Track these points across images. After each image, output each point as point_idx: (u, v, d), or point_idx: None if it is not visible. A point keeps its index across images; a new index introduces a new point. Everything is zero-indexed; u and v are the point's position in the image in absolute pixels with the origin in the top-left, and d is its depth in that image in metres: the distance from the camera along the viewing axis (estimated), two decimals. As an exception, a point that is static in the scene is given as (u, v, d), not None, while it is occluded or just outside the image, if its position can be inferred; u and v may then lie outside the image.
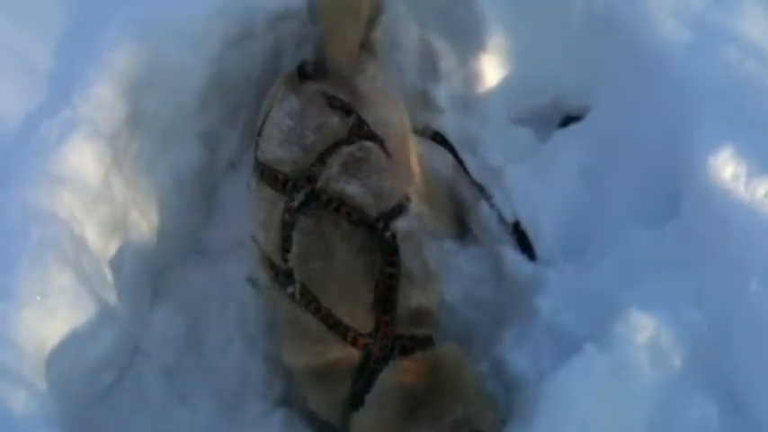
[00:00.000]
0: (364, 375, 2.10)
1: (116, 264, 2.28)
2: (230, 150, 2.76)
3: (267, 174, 2.25)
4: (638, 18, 2.51)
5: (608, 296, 2.24)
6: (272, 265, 2.22)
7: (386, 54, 2.75)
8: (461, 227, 2.78)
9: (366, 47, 2.46)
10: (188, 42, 2.44)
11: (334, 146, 2.22)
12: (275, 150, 2.25)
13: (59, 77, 2.33)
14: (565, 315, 2.33)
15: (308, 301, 2.11)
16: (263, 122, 2.34)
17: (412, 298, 2.14)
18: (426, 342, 2.15)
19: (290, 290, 2.15)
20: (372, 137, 2.28)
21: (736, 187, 2.17)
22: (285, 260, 2.16)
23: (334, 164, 2.19)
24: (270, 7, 2.62)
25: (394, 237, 2.15)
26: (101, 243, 2.23)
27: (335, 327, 2.09)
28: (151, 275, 2.49)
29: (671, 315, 2.10)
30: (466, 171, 2.74)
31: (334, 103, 2.29)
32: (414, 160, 2.48)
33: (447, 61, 2.80)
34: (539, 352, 2.32)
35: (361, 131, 2.28)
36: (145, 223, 2.42)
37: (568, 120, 2.74)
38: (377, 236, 2.13)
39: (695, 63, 2.39)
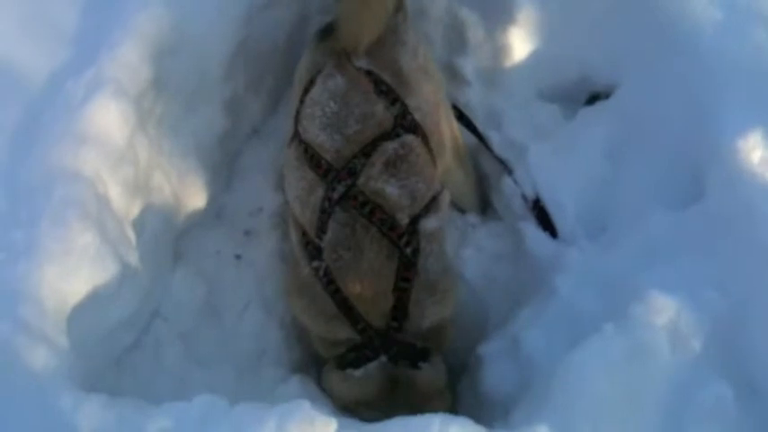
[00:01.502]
0: (358, 355, 2.23)
1: (138, 225, 2.29)
2: (254, 117, 2.76)
3: (309, 154, 2.26)
4: (669, -4, 2.48)
5: (628, 277, 2.22)
6: (303, 232, 2.25)
7: (412, 24, 2.73)
8: (484, 201, 2.78)
9: (398, 6, 2.42)
10: (214, 8, 2.43)
11: (378, 139, 2.23)
12: (317, 134, 2.25)
13: (86, 38, 2.32)
14: (583, 295, 2.32)
15: (330, 281, 2.19)
16: (304, 93, 2.32)
17: (426, 313, 2.23)
18: (420, 355, 2.25)
19: (315, 264, 2.21)
20: (414, 128, 2.29)
21: (764, 172, 2.13)
22: (319, 238, 2.20)
23: (377, 162, 2.21)
24: (296, -27, 2.61)
25: (416, 251, 2.20)
26: (124, 203, 2.23)
27: (349, 313, 2.19)
28: (172, 238, 2.50)
29: (691, 298, 2.08)
30: (487, 145, 2.72)
31: (380, 88, 2.27)
32: (444, 129, 2.47)
33: (474, 34, 2.77)
34: (555, 331, 2.31)
35: (405, 122, 2.28)
36: (167, 186, 2.43)
37: (595, 97, 2.71)
38: (399, 250, 2.19)
39: (725, 43, 2.34)
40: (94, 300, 2.06)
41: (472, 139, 2.73)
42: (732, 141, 2.19)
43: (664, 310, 2.06)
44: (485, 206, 2.80)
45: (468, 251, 2.68)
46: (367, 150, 2.22)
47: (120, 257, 2.14)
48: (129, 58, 2.28)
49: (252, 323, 2.53)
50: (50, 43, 2.29)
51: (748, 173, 2.15)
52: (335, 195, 2.20)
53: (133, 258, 2.21)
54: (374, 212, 2.19)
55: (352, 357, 2.25)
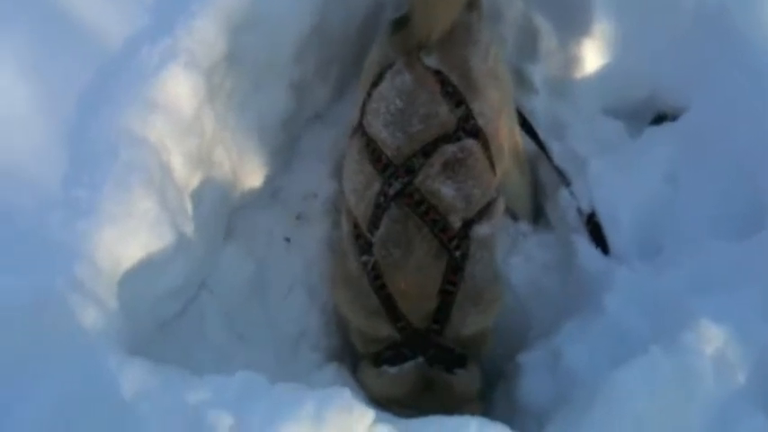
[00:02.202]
0: (394, 352, 2.24)
1: (197, 197, 2.30)
2: (319, 102, 2.77)
3: (371, 149, 2.27)
4: (749, 23, 2.44)
5: (678, 302, 2.19)
6: (355, 225, 2.27)
7: (486, 24, 2.72)
8: (537, 210, 2.76)
9: (473, 3, 2.41)
10: (293, -11, 2.43)
11: (439, 140, 2.23)
12: (381, 130, 2.26)
13: (163, 7, 2.33)
14: (631, 315, 2.30)
15: (377, 276, 2.20)
16: (371, 86, 2.33)
17: (468, 321, 2.23)
18: (457, 360, 2.26)
19: (364, 258, 2.22)
20: (476, 133, 2.28)
21: (828, 208, 2.11)
22: (371, 233, 2.22)
23: (436, 163, 2.21)
24: (378, -36, 2.61)
25: (464, 256, 2.20)
26: (185, 174, 2.25)
27: (391, 311, 2.20)
28: (227, 214, 2.51)
29: (742, 329, 2.05)
30: (547, 155, 2.71)
31: (446, 89, 2.27)
32: (506, 133, 2.46)
33: (547, 41, 2.75)
34: (598, 348, 2.29)
35: (467, 125, 2.27)
36: (228, 162, 2.44)
37: (661, 118, 2.68)
38: (449, 252, 2.19)
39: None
40: (148, 265, 2.08)
41: (532, 146, 2.72)
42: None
43: (713, 339, 2.04)
44: (538, 215, 2.79)
45: (516, 259, 2.67)
46: (427, 150, 2.23)
47: (177, 227, 2.16)
48: (204, 31, 2.29)
49: (295, 306, 2.54)
50: (130, 8, 2.31)
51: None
52: (392, 191, 2.21)
53: (189, 229, 2.22)
54: (428, 212, 2.19)
55: (389, 355, 2.26)
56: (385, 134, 2.25)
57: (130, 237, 2.04)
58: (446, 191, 2.21)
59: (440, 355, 2.24)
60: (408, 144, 2.23)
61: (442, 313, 2.20)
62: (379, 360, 2.27)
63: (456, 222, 2.20)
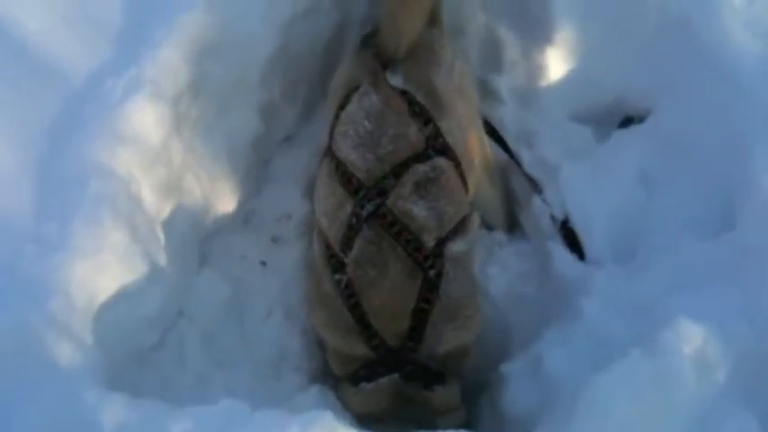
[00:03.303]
0: (370, 369, 2.24)
1: (168, 226, 2.29)
2: (287, 123, 2.77)
3: (341, 171, 2.27)
4: (710, 26, 2.46)
5: (656, 303, 2.20)
6: (328, 245, 2.27)
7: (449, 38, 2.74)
8: (512, 219, 2.77)
9: (433, 20, 2.43)
10: (257, 14, 2.44)
11: (410, 160, 2.24)
12: (350, 153, 2.26)
13: (127, 37, 2.34)
14: (609, 318, 2.30)
15: (350, 294, 2.21)
16: (339, 108, 2.34)
17: (444, 338, 2.23)
18: (434, 377, 2.25)
19: (337, 276, 2.22)
20: (445, 151, 2.30)
21: (797, 205, 2.13)
22: (344, 253, 2.22)
23: (407, 183, 2.22)
24: (338, -19, 2.62)
25: (439, 274, 2.20)
26: (155, 204, 2.24)
27: (365, 329, 2.20)
28: (200, 241, 2.51)
29: (719, 328, 2.05)
30: (518, 163, 2.72)
31: (414, 109, 2.29)
32: (475, 145, 2.48)
33: (511, 52, 2.77)
34: (579, 354, 2.29)
35: (437, 144, 2.29)
36: (198, 188, 2.43)
37: (628, 121, 2.71)
38: (423, 271, 2.19)
39: (765, 76, 2.33)
40: (122, 297, 2.07)
41: (503, 156, 2.73)
42: (765, 173, 2.18)
43: (691, 339, 2.04)
44: (512, 224, 2.80)
45: (493, 269, 2.67)
46: (398, 171, 2.23)
47: (149, 257, 2.15)
48: (169, 60, 2.29)
49: (274, 329, 2.53)
50: (93, 41, 2.31)
51: (782, 204, 2.14)
52: (364, 213, 2.21)
53: (161, 258, 2.21)
54: (401, 233, 2.20)
55: (364, 373, 2.26)
56: (354, 156, 2.25)
57: (103, 270, 2.03)
58: (418, 210, 2.21)
59: (415, 372, 2.24)
60: (379, 166, 2.23)
61: (417, 331, 2.21)
62: (356, 378, 2.27)
63: (429, 241, 2.21)
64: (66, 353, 1.92)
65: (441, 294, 2.20)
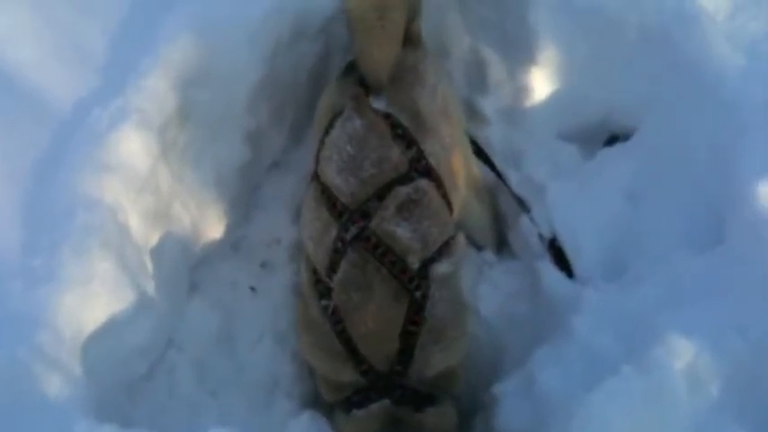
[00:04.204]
0: (361, 396, 2.23)
1: (157, 254, 2.29)
2: (275, 150, 2.77)
3: (326, 196, 2.27)
4: (692, 41, 2.48)
5: (647, 319, 2.20)
6: (314, 270, 2.27)
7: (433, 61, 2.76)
8: (500, 239, 2.78)
9: (414, 42, 2.45)
10: (243, 41, 2.45)
11: (393, 183, 2.24)
12: (334, 177, 2.26)
13: (114, 67, 2.35)
14: (601, 336, 2.29)
15: (337, 320, 2.20)
16: (324, 133, 2.34)
17: (432, 360, 2.22)
18: (425, 400, 2.25)
19: (324, 302, 2.22)
20: (428, 172, 2.30)
21: (785, 217, 2.14)
22: (329, 278, 2.21)
23: (391, 205, 2.22)
24: (323, 9, 2.63)
25: (425, 296, 2.20)
26: (143, 233, 2.24)
27: (353, 354, 2.19)
28: (189, 268, 2.51)
29: (711, 342, 2.06)
30: (505, 183, 2.73)
31: (396, 132, 2.29)
32: (461, 165, 2.49)
33: (496, 73, 2.78)
34: (572, 372, 2.28)
35: (420, 166, 2.29)
36: (187, 216, 2.44)
37: (614, 138, 2.72)
38: (409, 293, 2.19)
39: (748, 89, 2.35)
40: (111, 328, 2.06)
41: (491, 175, 2.74)
42: (753, 185, 2.18)
43: (683, 354, 2.04)
44: (501, 244, 2.80)
45: (484, 288, 2.67)
46: (381, 193, 2.23)
47: (138, 286, 2.15)
48: (155, 89, 2.30)
49: (265, 355, 2.53)
50: (79, 71, 2.32)
51: (769, 217, 2.15)
52: (348, 236, 2.20)
53: (150, 287, 2.21)
54: (385, 255, 2.19)
55: (355, 399, 2.25)
56: (338, 180, 2.25)
57: (91, 301, 2.03)
58: (402, 232, 2.21)
59: (405, 396, 2.23)
60: (362, 189, 2.23)
61: (405, 355, 2.20)
62: (348, 405, 2.26)
63: (414, 263, 2.20)
64: (55, 385, 1.91)
65: (426, 316, 2.19)
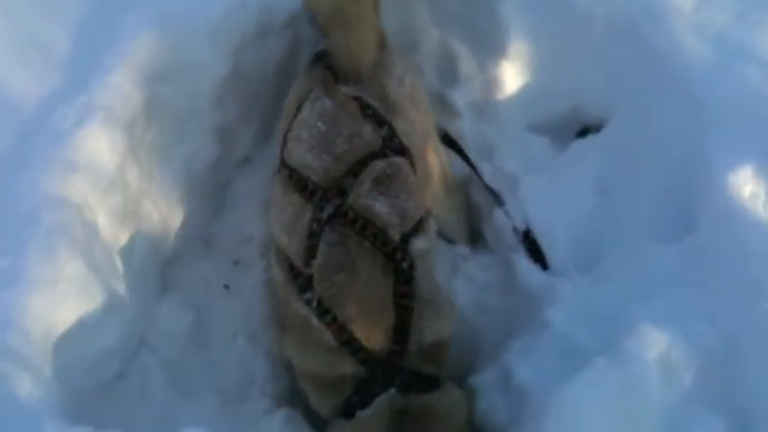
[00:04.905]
0: (363, 392, 2.11)
1: (126, 253, 2.27)
2: (245, 145, 2.76)
3: (296, 179, 2.21)
4: (660, 33, 2.50)
5: (620, 310, 2.22)
6: (291, 267, 2.19)
7: (404, 55, 2.74)
8: (474, 232, 2.78)
9: (382, 45, 2.43)
10: (206, 36, 2.44)
11: (367, 158, 2.20)
12: (304, 156, 2.21)
13: (77, 64, 2.32)
14: (575, 327, 2.31)
15: (324, 311, 2.10)
16: (292, 119, 2.30)
17: (426, 330, 2.14)
18: (429, 383, 2.15)
19: (307, 296, 2.13)
20: (402, 150, 2.27)
21: (755, 207, 2.15)
22: (308, 266, 2.13)
23: (367, 180, 2.17)
24: (288, 4, 2.62)
25: (411, 266, 2.13)
26: (112, 231, 2.22)
27: (348, 343, 2.09)
28: (160, 267, 2.48)
29: (683, 332, 2.08)
30: (478, 175, 2.73)
31: (367, 112, 2.26)
32: (432, 158, 2.47)
33: (466, 66, 2.79)
34: (547, 364, 2.29)
35: (393, 144, 2.26)
36: (156, 214, 2.41)
37: (586, 130, 2.73)
38: (395, 264, 2.12)
39: (716, 80, 2.37)
40: (81, 329, 2.04)
41: (464, 169, 2.74)
42: (723, 176, 2.20)
43: (656, 344, 2.06)
44: (476, 237, 2.80)
45: (458, 282, 2.67)
46: (356, 169, 2.18)
47: (108, 286, 2.12)
48: (120, 85, 2.28)
49: (238, 354, 2.50)
50: (42, 69, 2.29)
51: (739, 207, 2.16)
52: (324, 215, 2.14)
53: (120, 287, 2.19)
54: (366, 227, 2.12)
55: (357, 399, 2.12)
56: (310, 158, 2.20)
57: (60, 302, 2.00)
58: (380, 207, 2.15)
59: (409, 379, 2.12)
60: (335, 165, 2.18)
61: (402, 330, 2.10)
62: (348, 408, 2.13)
63: (395, 236, 2.14)
64: (25, 387, 1.89)
65: (416, 286, 2.12)
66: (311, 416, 2.33)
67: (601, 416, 1.96)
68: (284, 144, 2.29)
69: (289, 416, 2.34)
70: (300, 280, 2.15)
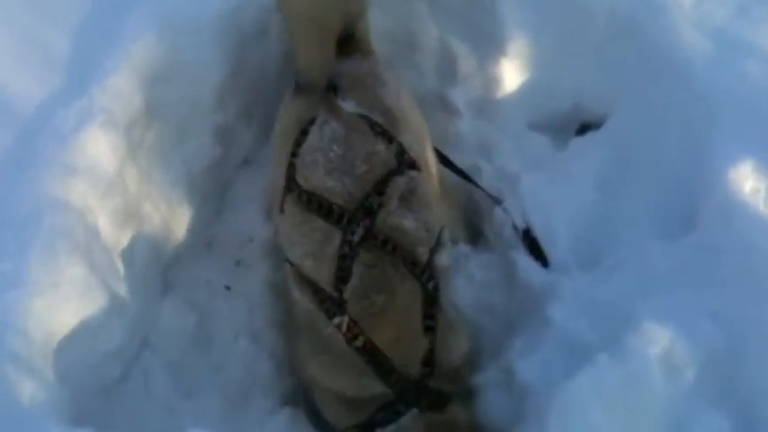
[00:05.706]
0: (388, 411, 2.11)
1: (127, 255, 2.27)
2: (245, 146, 2.76)
3: (317, 203, 2.17)
4: (660, 28, 2.50)
5: (622, 307, 2.21)
6: (316, 290, 2.15)
7: (403, 54, 2.75)
8: (474, 231, 2.77)
9: (364, 50, 2.43)
10: (206, 38, 2.44)
11: (388, 176, 2.19)
12: (323, 180, 2.18)
13: (77, 67, 2.32)
14: (577, 324, 2.30)
15: (356, 335, 2.09)
16: (295, 143, 2.26)
17: (453, 350, 2.16)
18: (449, 399, 2.15)
19: (336, 321, 2.10)
20: (414, 165, 2.27)
21: (756, 202, 2.15)
22: (339, 290, 2.11)
23: (393, 196, 2.17)
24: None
25: (437, 288, 2.15)
26: (113, 234, 2.22)
27: (381, 366, 2.09)
28: (162, 268, 2.48)
29: (685, 329, 2.07)
30: (473, 182, 2.71)
31: (375, 129, 2.25)
32: (431, 161, 2.46)
33: (466, 64, 2.79)
34: (549, 361, 2.29)
35: (405, 159, 2.25)
36: (157, 216, 2.41)
37: (586, 128, 2.73)
38: (422, 285, 2.13)
39: (717, 75, 2.37)
40: (83, 331, 2.04)
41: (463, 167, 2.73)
42: (724, 171, 2.20)
43: (658, 341, 2.05)
44: (476, 235, 2.80)
45: (460, 281, 2.66)
46: (379, 188, 2.17)
47: (109, 288, 2.13)
48: (120, 87, 2.28)
49: (241, 354, 2.50)
50: (42, 71, 2.29)
51: (740, 203, 2.16)
52: (356, 238, 2.12)
53: (122, 289, 2.19)
54: (396, 249, 2.12)
55: (380, 417, 2.11)
56: (330, 182, 2.17)
57: (61, 304, 2.01)
58: (408, 223, 2.15)
59: (433, 398, 2.12)
60: (358, 186, 2.16)
61: (430, 352, 2.11)
62: (370, 426, 2.12)
63: (424, 254, 2.15)
64: (28, 390, 1.89)
65: (441, 307, 2.13)
66: (314, 417, 2.33)
67: (603, 413, 1.96)
68: (294, 172, 2.24)
69: (292, 416, 2.35)
70: (329, 304, 2.13)
